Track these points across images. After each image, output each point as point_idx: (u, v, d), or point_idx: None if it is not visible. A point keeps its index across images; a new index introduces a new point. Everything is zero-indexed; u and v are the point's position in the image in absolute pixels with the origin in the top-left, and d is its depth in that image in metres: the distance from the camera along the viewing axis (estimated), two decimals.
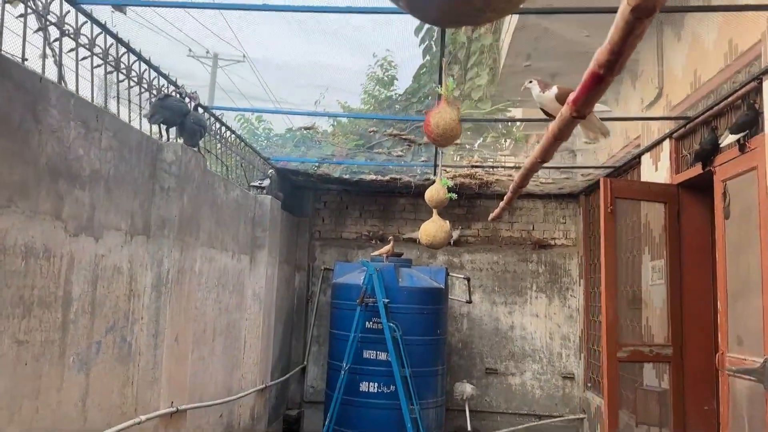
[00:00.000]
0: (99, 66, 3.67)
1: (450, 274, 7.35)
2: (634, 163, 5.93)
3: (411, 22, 7.39)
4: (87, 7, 3.33)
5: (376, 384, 6.51)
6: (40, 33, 3.06)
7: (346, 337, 6.51)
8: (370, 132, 6.30)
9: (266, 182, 6.21)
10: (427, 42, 7.75)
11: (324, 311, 7.93)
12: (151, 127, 4.12)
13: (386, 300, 6.31)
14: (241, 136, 5.85)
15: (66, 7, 3.19)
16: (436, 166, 6.51)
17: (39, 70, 3.02)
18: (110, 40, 3.62)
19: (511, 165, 6.71)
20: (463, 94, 6.54)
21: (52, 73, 3.16)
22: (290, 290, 7.80)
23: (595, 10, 3.30)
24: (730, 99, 3.98)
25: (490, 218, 4.70)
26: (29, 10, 2.96)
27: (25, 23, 2.92)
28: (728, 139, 3.79)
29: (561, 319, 7.94)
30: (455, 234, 7.82)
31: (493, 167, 6.56)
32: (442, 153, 5.76)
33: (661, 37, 5.23)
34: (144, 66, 4.03)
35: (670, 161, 4.96)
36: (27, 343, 2.68)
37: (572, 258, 8.02)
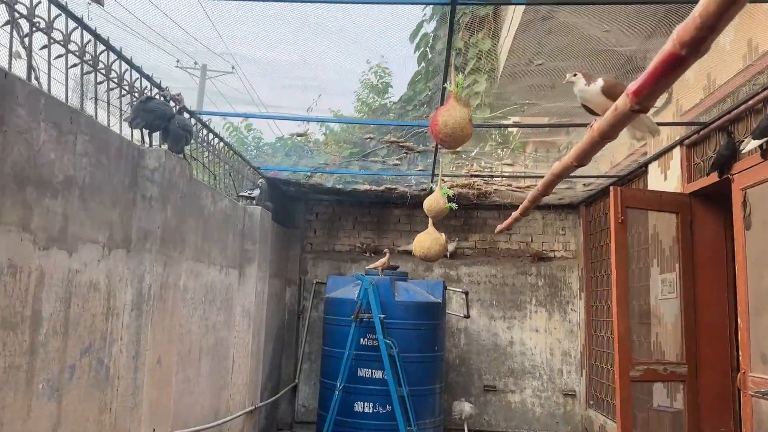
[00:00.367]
0: (75, 66, 3.39)
1: (447, 287, 7.07)
2: (640, 172, 5.71)
3: (405, 28, 7.18)
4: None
5: (371, 404, 6.20)
6: (8, 27, 2.78)
7: (340, 355, 6.20)
8: (367, 139, 6.04)
9: (256, 192, 5.92)
10: (422, 48, 7.53)
11: (316, 327, 7.62)
12: (132, 131, 3.83)
13: (382, 315, 6.03)
14: (230, 143, 5.56)
15: None
16: (433, 175, 6.26)
17: (5, 65, 2.73)
18: (87, 36, 3.34)
19: (510, 174, 6.46)
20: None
21: (21, 71, 2.87)
22: (281, 305, 7.48)
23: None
24: (750, 102, 3.76)
25: (497, 230, 4.45)
26: None
27: None
28: (750, 144, 3.56)
29: (561, 334, 7.68)
30: (452, 246, 7.56)
31: (492, 176, 6.31)
32: (440, 162, 5.51)
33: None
34: (125, 66, 3.75)
35: (682, 169, 4.73)
36: None
37: (572, 271, 7.78)
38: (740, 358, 3.79)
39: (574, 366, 7.61)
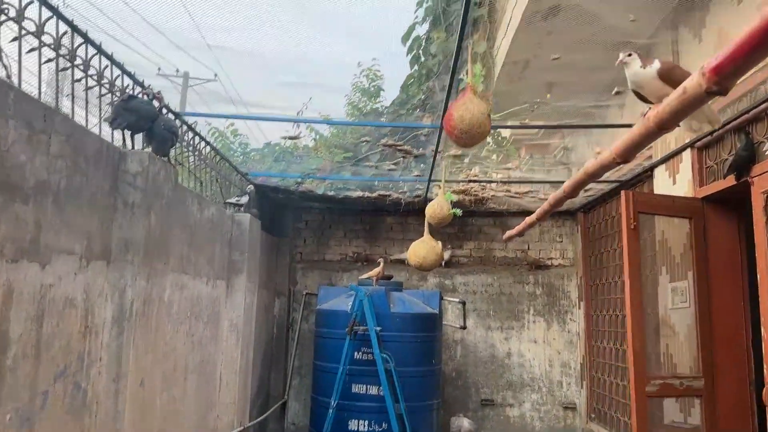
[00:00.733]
0: (50, 61, 3.09)
1: (444, 297, 6.81)
2: (645, 176, 5.51)
3: (399, 28, 6.95)
4: None
5: (366, 422, 5.91)
6: None
7: (332, 370, 5.91)
8: (363, 142, 5.78)
9: (244, 199, 5.62)
10: (415, 51, 7.29)
11: (306, 340, 7.31)
12: (112, 133, 3.53)
13: (378, 328, 5.74)
14: (216, 147, 5.26)
15: None
16: (430, 181, 6.01)
17: None
18: (63, 27, 3.04)
19: (510, 179, 6.23)
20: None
21: None
22: (269, 318, 7.17)
23: None
24: None
25: (506, 236, 4.21)
26: None
27: None
28: None
29: (561, 344, 7.45)
30: (447, 254, 7.31)
31: (491, 181, 6.08)
32: (440, 166, 5.26)
33: (676, 40, 4.84)
34: (105, 62, 3.45)
35: (693, 173, 4.53)
36: None
37: (571, 279, 7.56)
38: (765, 370, 3.56)
39: (573, 378, 7.37)
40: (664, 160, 4.99)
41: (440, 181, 5.99)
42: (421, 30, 7.33)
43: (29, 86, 2.97)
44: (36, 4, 2.78)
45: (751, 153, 3.77)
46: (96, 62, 3.40)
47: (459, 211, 4.82)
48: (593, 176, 2.45)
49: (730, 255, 4.35)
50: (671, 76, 1.84)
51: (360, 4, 4.30)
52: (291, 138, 4.87)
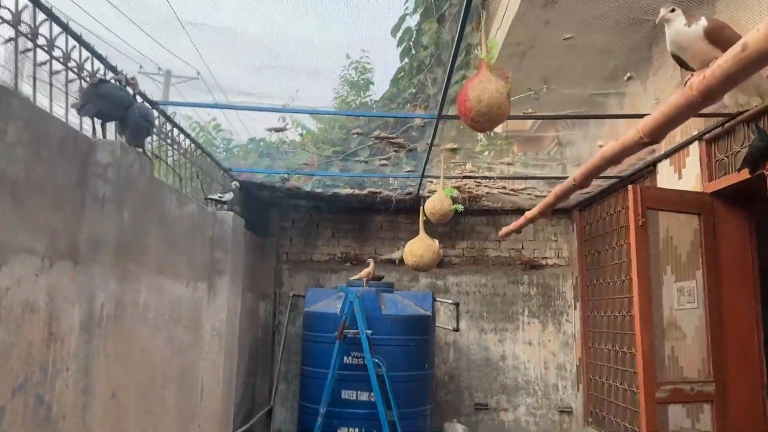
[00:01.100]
0: (10, 41, 2.79)
1: (436, 299, 6.56)
2: (647, 171, 5.29)
3: (388, 19, 6.68)
4: None
5: (357, 430, 5.63)
6: None
7: (320, 375, 5.62)
8: (355, 134, 5.50)
9: (228, 196, 5.32)
10: (405, 43, 7.03)
11: (293, 344, 7.02)
12: (81, 121, 3.23)
13: (369, 331, 5.47)
14: (197, 140, 4.95)
15: None
16: (423, 177, 5.75)
17: None
18: (24, 1, 2.74)
19: (504, 175, 5.99)
20: (449, 100, 5.79)
21: None
22: (254, 321, 6.86)
23: None
24: None
25: (503, 232, 3.96)
26: None
27: None
28: None
29: (556, 346, 7.22)
30: None
31: (488, 177, 5.83)
32: (434, 161, 5.01)
33: None
34: (73, 43, 3.15)
35: (701, 167, 4.31)
36: None
37: (566, 279, 7.34)
38: None
39: (570, 381, 7.15)
40: (668, 154, 4.78)
41: (434, 177, 5.74)
42: (412, 21, 7.07)
43: None
44: None
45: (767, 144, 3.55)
46: (62, 43, 3.11)
47: (461, 207, 4.57)
48: (611, 161, 2.21)
49: (741, 253, 4.14)
50: (720, 37, 1.58)
51: None
52: (276, 130, 4.58)
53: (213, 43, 4.15)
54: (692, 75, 1.62)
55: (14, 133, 2.44)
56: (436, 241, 5.48)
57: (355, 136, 5.37)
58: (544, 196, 6.03)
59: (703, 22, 1.64)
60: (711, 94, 1.40)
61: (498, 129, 8.02)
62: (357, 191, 6.41)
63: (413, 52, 7.02)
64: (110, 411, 3.10)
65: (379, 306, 5.89)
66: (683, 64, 1.76)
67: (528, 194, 6.21)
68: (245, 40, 4.08)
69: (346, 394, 5.67)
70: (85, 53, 3.28)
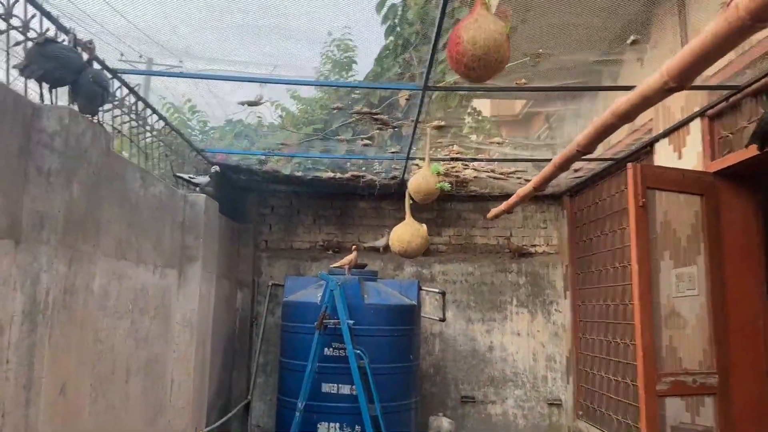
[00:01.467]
0: None
1: (422, 288, 6.28)
2: (643, 153, 5.03)
3: None
4: None
5: (337, 425, 5.35)
6: None
7: (300, 368, 5.33)
8: (335, 109, 5.17)
9: (201, 178, 4.99)
10: (390, 21, 6.70)
11: (272, 335, 6.71)
12: (26, 85, 2.89)
13: (351, 321, 5.18)
14: (166, 118, 4.60)
15: None
16: (408, 159, 5.46)
17: None
18: None
19: (493, 158, 5.71)
20: (436, 78, 5.46)
21: None
22: (231, 311, 6.54)
23: None
24: None
25: (491, 214, 3.67)
26: None
27: None
28: None
29: (545, 337, 6.98)
30: None
31: (475, 159, 5.54)
32: (421, 140, 4.70)
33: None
34: None
35: (704, 145, 4.05)
36: None
37: (556, 267, 7.09)
38: None
39: (559, 372, 6.91)
40: (667, 133, 4.52)
41: (420, 159, 5.45)
42: None
43: None
44: None
45: None
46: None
47: (447, 185, 4.27)
48: (624, 117, 1.91)
49: (746, 236, 3.89)
50: None
51: None
52: (250, 104, 4.25)
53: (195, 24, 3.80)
54: None
55: None
56: (424, 226, 5.20)
57: (336, 111, 5.04)
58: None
59: None
60: (762, 13, 1.11)
61: (485, 111, 7.74)
62: (339, 175, 6.09)
63: (398, 29, 6.70)
64: (58, 407, 2.78)
65: (362, 295, 5.60)
66: None
67: (518, 178, 5.94)
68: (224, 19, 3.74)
69: (326, 388, 5.38)
70: (31, 9, 2.93)
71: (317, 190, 6.90)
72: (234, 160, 5.78)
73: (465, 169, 5.92)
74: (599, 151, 5.80)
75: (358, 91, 6.27)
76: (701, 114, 4.06)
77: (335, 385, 5.38)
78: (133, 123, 4.21)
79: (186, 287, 4.73)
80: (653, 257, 4.52)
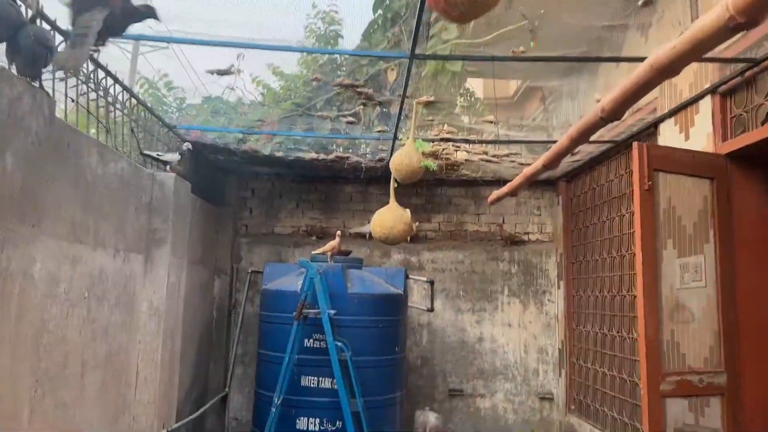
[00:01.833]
0: None
1: (409, 276, 5.96)
2: (644, 135, 4.72)
3: None
4: None
5: (317, 420, 5.04)
6: None
7: (278, 360, 5.01)
8: (314, 80, 4.80)
9: (171, 156, 4.63)
10: None
11: (251, 325, 6.38)
12: None
13: (332, 311, 4.86)
14: (140, 97, 4.21)
15: None
16: (395, 139, 5.11)
17: None
18: None
19: (486, 139, 5.37)
20: (430, 75, 5.06)
21: None
22: (207, 299, 6.20)
23: None
24: None
25: (492, 198, 3.36)
26: None
27: None
28: None
29: (537, 328, 6.70)
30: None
31: (467, 141, 5.20)
32: (409, 118, 4.36)
33: None
34: None
35: (714, 125, 3.74)
36: None
37: (549, 256, 6.79)
38: None
39: (551, 365, 6.64)
40: (673, 113, 4.20)
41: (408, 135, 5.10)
42: None
43: None
44: None
45: None
46: None
47: (433, 164, 3.94)
48: (667, 71, 1.56)
49: (760, 223, 3.59)
50: None
51: None
52: (220, 73, 3.88)
53: None
54: None
55: None
56: (408, 211, 4.88)
57: (316, 84, 4.67)
58: (528, 164, 5.44)
59: None
60: None
61: (479, 93, 7.38)
62: (322, 156, 5.74)
63: (387, 2, 6.32)
64: None
65: (345, 283, 5.27)
66: None
67: (511, 161, 5.61)
68: None
69: (305, 381, 5.07)
70: None
71: (300, 173, 6.54)
72: (210, 139, 5.41)
73: (456, 151, 5.58)
74: (599, 132, 5.48)
75: (344, 68, 5.91)
76: (712, 90, 3.74)
77: (315, 378, 5.07)
78: (93, 96, 3.84)
79: (153, 273, 4.38)
80: (656, 247, 4.20)
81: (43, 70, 2.77)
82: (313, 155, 5.74)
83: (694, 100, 3.91)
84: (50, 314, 3.09)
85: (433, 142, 5.12)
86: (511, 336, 6.67)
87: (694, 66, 3.99)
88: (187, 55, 6.52)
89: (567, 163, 6.11)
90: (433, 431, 5.94)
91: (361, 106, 4.51)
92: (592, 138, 5.35)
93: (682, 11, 4.14)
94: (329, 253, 5.45)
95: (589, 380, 5.89)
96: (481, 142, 5.18)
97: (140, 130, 4.76)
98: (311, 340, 5.09)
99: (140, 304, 4.29)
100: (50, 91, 3.02)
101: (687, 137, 4.03)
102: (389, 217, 4.74)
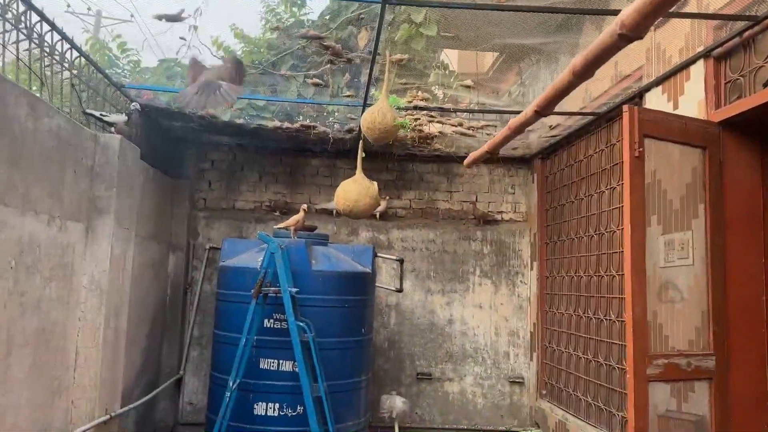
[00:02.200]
0: None
1: (378, 254, 5.65)
2: (630, 105, 4.45)
3: None
4: None
5: (276, 405, 4.72)
6: None
7: (235, 341, 4.65)
8: (275, 29, 4.42)
9: (117, 117, 4.21)
10: None
11: (208, 304, 6.01)
12: None
13: (294, 289, 4.52)
14: (63, 32, 3.75)
15: None
16: (365, 106, 4.76)
17: None
18: None
19: (460, 108, 5.06)
20: (403, 41, 4.69)
21: None
22: (162, 277, 5.79)
23: None
24: None
25: (468, 160, 3.05)
26: None
27: None
28: None
29: (509, 310, 6.47)
30: (382, 205, 6.10)
31: (443, 109, 4.88)
32: (379, 81, 4.01)
33: None
34: None
35: (707, 91, 3.49)
36: None
37: (523, 236, 6.56)
38: None
39: (522, 348, 6.42)
40: (661, 80, 3.94)
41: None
42: None
43: None
44: None
45: None
46: None
47: (408, 122, 3.61)
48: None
49: (751, 197, 3.37)
50: None
51: None
52: (169, 18, 3.47)
53: None
54: None
55: None
56: (375, 184, 4.55)
57: (278, 31, 4.28)
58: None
59: None
60: None
61: (453, 64, 7.05)
62: (287, 124, 5.36)
63: None
64: None
65: (309, 260, 4.94)
66: None
67: (488, 134, 5.32)
68: None
69: (264, 364, 4.73)
70: None
71: (264, 144, 6.15)
72: (163, 102, 4.99)
73: (430, 122, 5.26)
74: (578, 104, 5.22)
75: (311, 32, 5.51)
76: (705, 54, 3.49)
77: (275, 361, 4.73)
78: (18, 28, 3.40)
79: (94, 245, 3.97)
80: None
81: None
82: (277, 123, 5.36)
83: (685, 66, 3.66)
84: None
85: (406, 110, 4.78)
86: (482, 318, 6.43)
87: (685, 29, 3.74)
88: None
89: (544, 139, 5.86)
90: (400, 416, 5.67)
91: (329, 65, 4.14)
92: (573, 109, 5.10)
93: None
94: (292, 228, 5.09)
95: (561, 364, 5.69)
96: (456, 110, 4.86)
97: (84, 89, 4.32)
98: (271, 321, 4.75)
99: (80, 278, 3.89)
100: None
101: (676, 106, 3.79)
102: (354, 189, 4.41)
